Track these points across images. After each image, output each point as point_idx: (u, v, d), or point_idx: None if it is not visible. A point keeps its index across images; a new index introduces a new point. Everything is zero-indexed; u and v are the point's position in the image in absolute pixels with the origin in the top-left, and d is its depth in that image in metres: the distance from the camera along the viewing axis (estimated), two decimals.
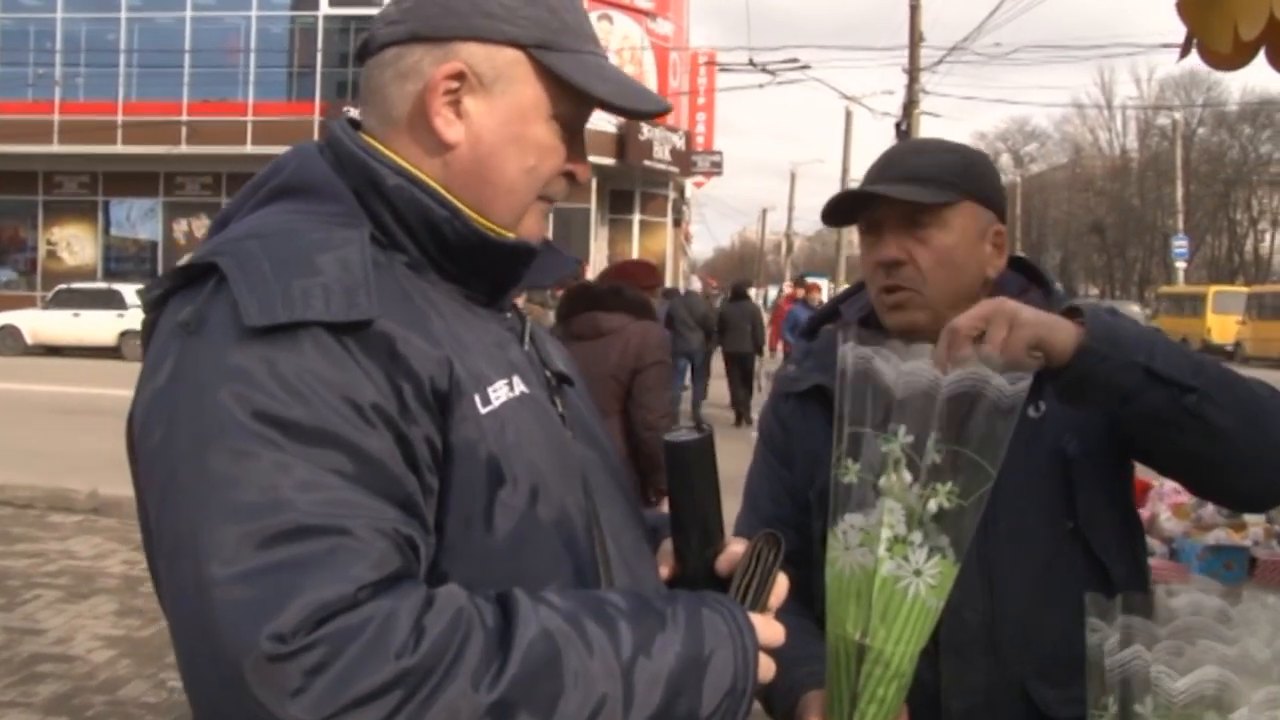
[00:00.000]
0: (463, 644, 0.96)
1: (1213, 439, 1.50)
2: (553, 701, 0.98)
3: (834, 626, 1.32)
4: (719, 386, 16.22)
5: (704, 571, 1.23)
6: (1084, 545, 1.65)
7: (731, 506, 1.28)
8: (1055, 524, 1.65)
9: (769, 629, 1.17)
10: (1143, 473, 1.76)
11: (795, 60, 25.55)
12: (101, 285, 25.55)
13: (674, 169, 30.12)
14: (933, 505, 1.26)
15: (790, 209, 60.60)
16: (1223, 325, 31.77)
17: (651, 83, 26.17)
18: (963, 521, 1.26)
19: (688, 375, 15.31)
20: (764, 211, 76.09)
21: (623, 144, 27.04)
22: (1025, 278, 1.82)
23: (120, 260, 30.50)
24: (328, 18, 28.48)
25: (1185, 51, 2.36)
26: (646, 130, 27.61)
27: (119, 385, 13.48)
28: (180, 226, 29.90)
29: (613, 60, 1.29)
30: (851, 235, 28.61)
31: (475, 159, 1.20)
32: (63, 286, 25.08)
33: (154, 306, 1.12)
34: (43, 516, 8.24)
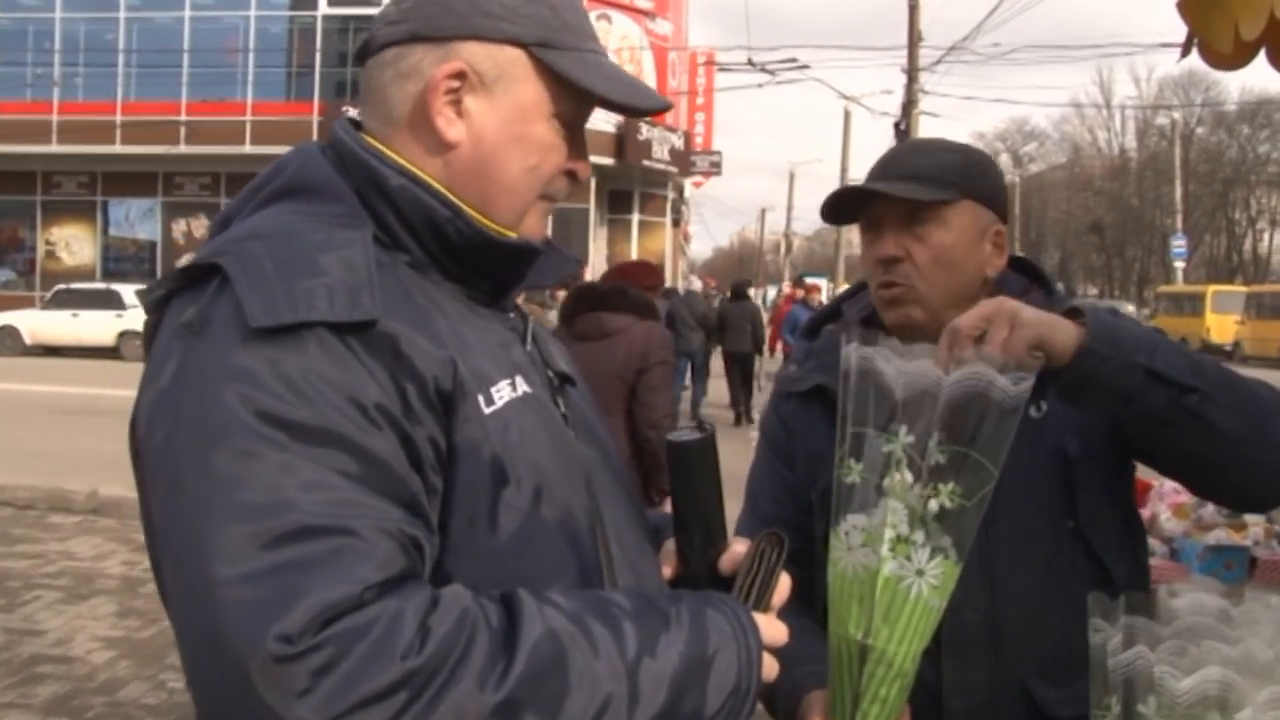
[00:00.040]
0: (468, 644, 0.96)
1: (1213, 440, 1.50)
2: (558, 701, 0.98)
3: (836, 626, 1.32)
4: (718, 386, 16.22)
5: (706, 571, 1.23)
6: (1085, 545, 1.65)
7: (732, 507, 1.28)
8: (1056, 524, 1.65)
9: (772, 628, 1.17)
10: (1143, 473, 1.76)
11: (794, 60, 25.57)
12: (100, 285, 25.53)
13: (673, 169, 30.12)
14: (935, 505, 1.26)
15: (789, 209, 60.65)
16: (1221, 325, 31.78)
17: (650, 82, 26.11)
18: (965, 521, 1.27)
19: (687, 375, 15.32)
20: (763, 211, 76.26)
21: (621, 144, 27.03)
22: (1027, 278, 1.83)
23: (119, 260, 30.48)
24: (326, 17, 28.46)
25: (1186, 51, 2.35)
26: (645, 130, 27.61)
27: (118, 386, 13.48)
28: (179, 226, 29.88)
29: (611, 60, 1.29)
30: (850, 235, 28.65)
31: (477, 158, 1.20)
32: (61, 287, 25.06)
33: (156, 307, 1.12)
34: (42, 517, 8.24)
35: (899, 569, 1.27)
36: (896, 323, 1.71)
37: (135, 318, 22.31)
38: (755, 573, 1.20)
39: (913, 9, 24.08)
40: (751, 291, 18.01)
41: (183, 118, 28.15)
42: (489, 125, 1.19)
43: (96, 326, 23.34)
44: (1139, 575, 1.73)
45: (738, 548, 1.23)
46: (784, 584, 1.23)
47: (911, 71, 23.93)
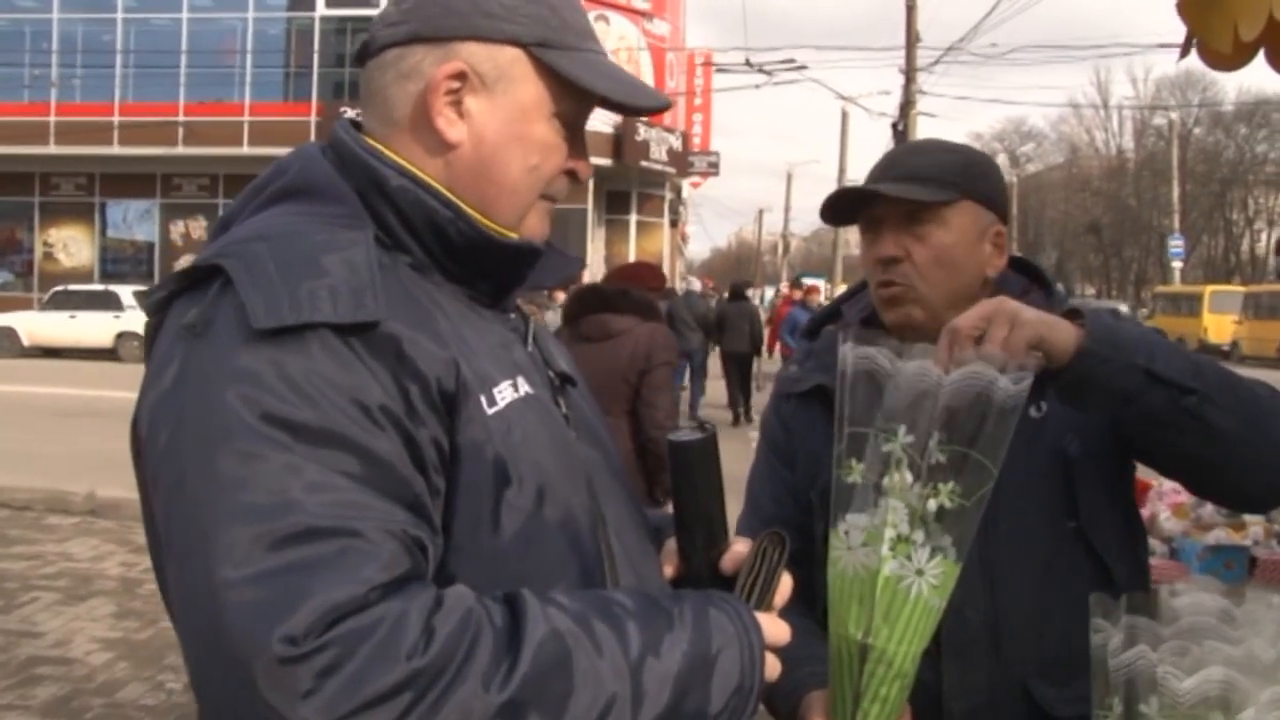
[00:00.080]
0: (473, 644, 0.96)
1: (1213, 440, 1.50)
2: (563, 701, 0.98)
3: (836, 626, 1.32)
4: (716, 387, 16.23)
5: (708, 571, 1.23)
6: (1085, 545, 1.65)
7: (730, 507, 1.28)
8: (1057, 524, 1.65)
9: (775, 628, 1.17)
10: (1143, 473, 1.76)
11: (792, 61, 25.62)
12: (98, 287, 25.51)
13: (670, 169, 30.13)
14: (934, 505, 1.26)
15: (787, 209, 60.79)
16: (1219, 325, 31.81)
17: (648, 83, 26.11)
18: (965, 521, 1.26)
19: (686, 375, 15.32)
20: (760, 212, 76.43)
21: (619, 144, 27.04)
22: (1027, 279, 1.83)
23: (117, 262, 30.45)
24: (324, 19, 28.46)
25: (1185, 52, 2.36)
26: (643, 131, 27.62)
27: (116, 387, 13.49)
28: (177, 228, 29.86)
29: (611, 59, 1.29)
30: (848, 236, 28.64)
31: (478, 159, 1.20)
32: (59, 288, 25.05)
33: (157, 309, 1.11)
34: (40, 519, 8.23)
35: (899, 568, 1.27)
36: (896, 323, 1.71)
37: (133, 319, 22.34)
38: (757, 572, 1.20)
39: (910, 9, 24.11)
40: (750, 292, 18.02)
41: (180, 119, 28.14)
42: (490, 125, 1.19)
43: (94, 328, 23.32)
44: (1140, 575, 1.73)
45: (739, 547, 1.23)
46: (785, 584, 1.23)
47: (909, 72, 23.95)
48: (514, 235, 1.22)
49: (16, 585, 6.42)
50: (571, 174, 1.27)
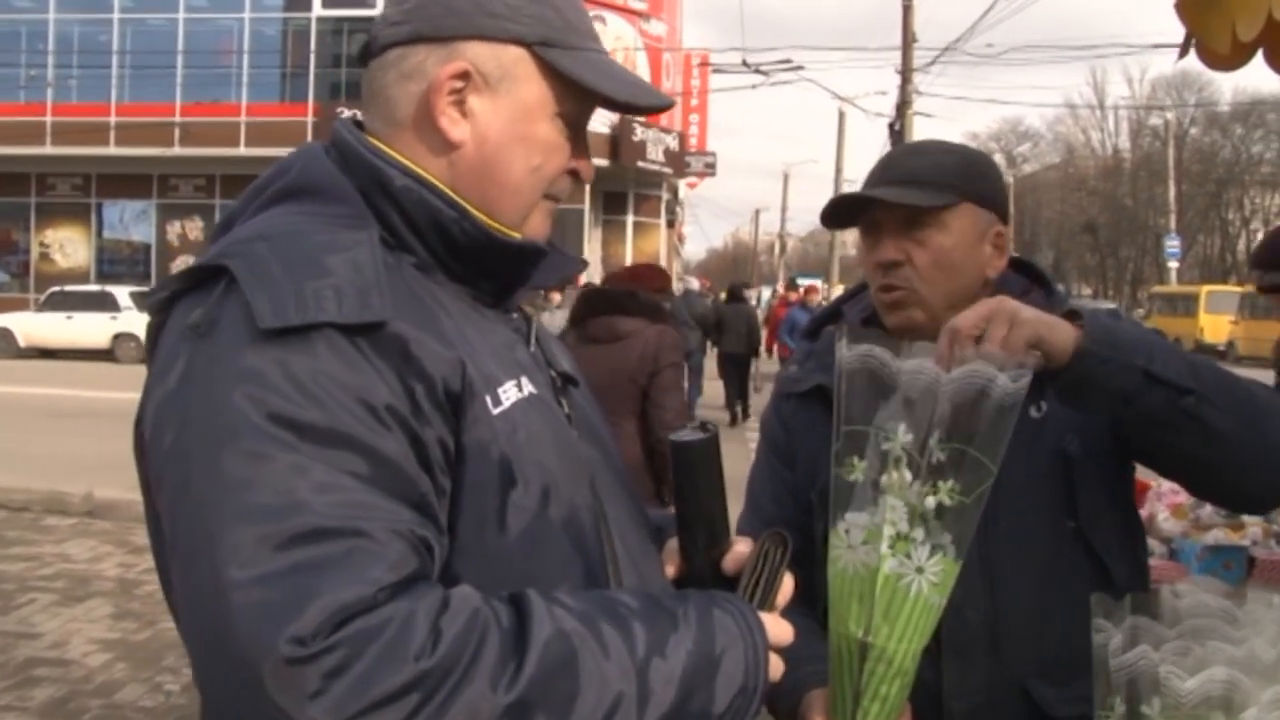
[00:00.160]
0: (479, 645, 0.96)
1: (1211, 441, 1.50)
2: (569, 701, 0.98)
3: (836, 625, 1.33)
4: (713, 387, 16.23)
5: (710, 571, 1.23)
6: (1085, 545, 1.66)
7: (729, 507, 1.28)
8: (1057, 524, 1.65)
9: (778, 628, 1.17)
10: (1141, 473, 1.76)
11: (788, 61, 25.65)
12: (95, 288, 25.44)
13: (667, 170, 30.11)
14: (934, 503, 1.26)
15: (783, 210, 60.83)
16: (1215, 325, 31.82)
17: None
18: (964, 519, 1.27)
19: (684, 374, 15.32)
20: (757, 212, 76.40)
21: (616, 145, 27.03)
22: (1027, 279, 1.83)
23: (113, 263, 30.39)
24: (321, 19, 28.42)
25: (1184, 52, 2.36)
26: (640, 131, 27.62)
27: (113, 388, 13.48)
28: (174, 228, 29.82)
29: (612, 59, 1.29)
30: (844, 237, 28.68)
31: (481, 158, 1.20)
32: (56, 289, 24.99)
33: (160, 309, 1.11)
34: (38, 520, 8.22)
35: (899, 566, 1.27)
36: (898, 326, 1.71)
37: (130, 320, 22.32)
38: (760, 572, 1.20)
39: (907, 10, 24.13)
40: (746, 293, 18.04)
41: (177, 119, 28.10)
42: (493, 125, 1.19)
43: (91, 329, 23.27)
44: (1139, 575, 1.74)
45: (740, 547, 1.24)
46: (788, 584, 1.23)
47: (906, 72, 23.97)
48: (517, 235, 1.22)
49: (14, 586, 6.41)
50: (574, 174, 1.27)
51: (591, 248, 28.36)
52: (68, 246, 30.41)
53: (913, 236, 1.70)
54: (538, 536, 1.13)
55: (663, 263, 29.72)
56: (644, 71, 29.01)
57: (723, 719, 1.08)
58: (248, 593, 0.92)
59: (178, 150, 28.21)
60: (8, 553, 7.20)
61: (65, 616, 5.91)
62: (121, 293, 23.52)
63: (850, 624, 1.30)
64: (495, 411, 1.12)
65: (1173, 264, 41.39)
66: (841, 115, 35.39)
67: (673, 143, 30.07)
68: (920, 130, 24.00)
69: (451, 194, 1.18)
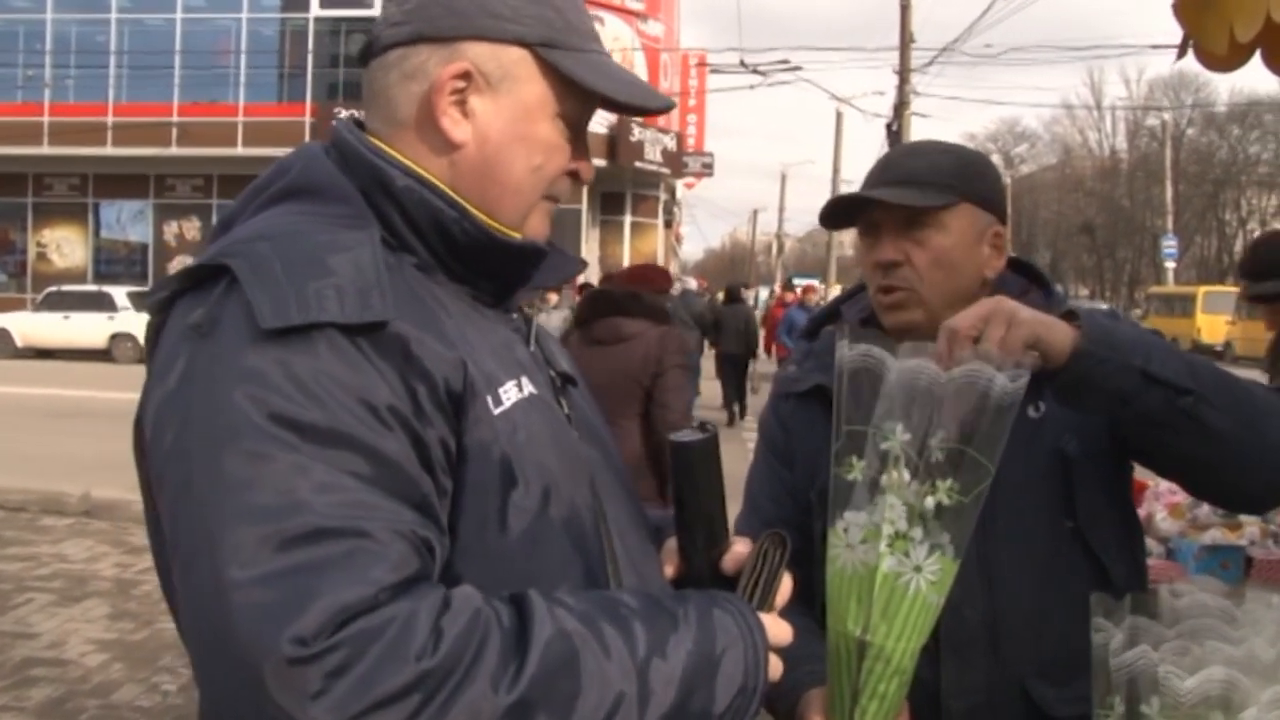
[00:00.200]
0: (481, 645, 0.96)
1: (1209, 441, 1.51)
2: (570, 701, 0.98)
3: (835, 624, 1.33)
4: (711, 387, 16.24)
5: (709, 571, 1.23)
6: (1084, 545, 1.66)
7: (728, 507, 1.28)
8: (1055, 524, 1.66)
9: (777, 628, 1.18)
10: (1139, 473, 1.77)
11: (786, 61, 25.68)
12: (92, 288, 25.45)
13: (665, 170, 30.13)
14: (932, 502, 1.27)
15: (781, 210, 60.81)
16: (1212, 325, 31.83)
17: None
18: (962, 518, 1.27)
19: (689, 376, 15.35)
20: (754, 213, 76.30)
21: (614, 145, 27.04)
22: (1025, 279, 1.83)
23: (110, 262, 30.40)
24: (318, 19, 28.42)
25: (1182, 53, 2.37)
26: (638, 132, 27.63)
27: (110, 388, 13.48)
28: (171, 228, 29.82)
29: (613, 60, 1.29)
30: (842, 237, 28.71)
31: (482, 159, 1.20)
32: (53, 289, 24.99)
33: (160, 309, 1.11)
34: (35, 520, 8.21)
35: (897, 565, 1.27)
36: (897, 326, 1.71)
37: (127, 320, 22.30)
38: (759, 573, 1.20)
39: (904, 10, 24.14)
40: (744, 292, 18.05)
41: (174, 119, 28.10)
42: (494, 125, 1.19)
43: (88, 329, 23.25)
44: (1137, 575, 1.74)
45: (739, 547, 1.24)
46: (787, 584, 1.23)
47: (903, 73, 23.98)
48: (517, 235, 1.22)
49: (11, 587, 6.40)
50: (574, 174, 1.27)
51: (589, 248, 28.36)
52: (65, 246, 30.40)
53: (911, 237, 1.70)
54: (538, 537, 1.13)
55: (660, 263, 29.76)
56: (641, 72, 29.01)
57: (723, 718, 1.09)
58: (249, 593, 0.91)
59: (175, 150, 28.20)
60: (5, 553, 7.19)
61: (62, 616, 5.90)
62: (119, 293, 23.52)
63: (849, 623, 1.30)
64: (496, 412, 1.12)
65: (1170, 264, 41.44)
66: (839, 116, 35.43)
67: (670, 143, 30.08)
68: (918, 130, 24.00)
69: (452, 194, 1.18)
